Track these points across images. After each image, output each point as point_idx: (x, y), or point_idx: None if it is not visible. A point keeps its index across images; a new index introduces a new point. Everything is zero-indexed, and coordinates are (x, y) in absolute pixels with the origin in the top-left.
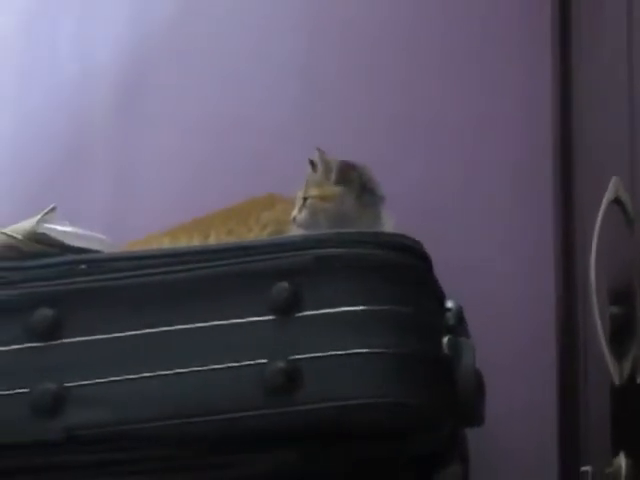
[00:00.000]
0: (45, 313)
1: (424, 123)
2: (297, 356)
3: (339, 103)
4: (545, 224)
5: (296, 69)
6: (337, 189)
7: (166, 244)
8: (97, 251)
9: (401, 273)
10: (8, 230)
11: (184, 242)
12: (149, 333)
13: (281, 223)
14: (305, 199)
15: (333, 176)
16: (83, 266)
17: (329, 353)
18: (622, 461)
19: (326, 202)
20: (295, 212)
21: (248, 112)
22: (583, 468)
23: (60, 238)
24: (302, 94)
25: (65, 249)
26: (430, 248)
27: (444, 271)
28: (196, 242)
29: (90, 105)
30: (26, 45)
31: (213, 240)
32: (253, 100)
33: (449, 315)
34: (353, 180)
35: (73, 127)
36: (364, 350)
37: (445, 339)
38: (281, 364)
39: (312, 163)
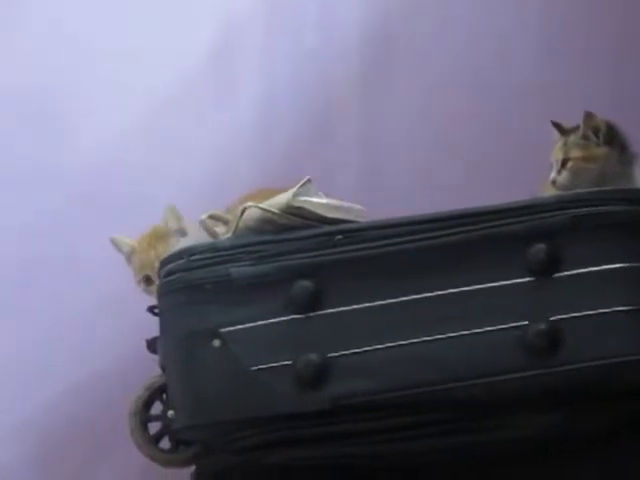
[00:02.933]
0: (304, 285)
1: None
2: (558, 316)
3: (576, 58)
4: None
5: (534, 26)
6: (603, 150)
7: None
8: (353, 221)
9: None
10: (264, 204)
11: None
12: (408, 300)
13: None
14: (565, 161)
15: (601, 137)
16: (339, 237)
17: (590, 312)
18: None
19: (590, 163)
20: (554, 174)
21: (488, 76)
22: None
23: (316, 210)
24: (541, 53)
25: (321, 221)
26: None
27: None
28: None
29: (334, 75)
30: (268, 20)
31: None
32: (493, 64)
33: None
34: (616, 140)
35: (318, 100)
36: (626, 308)
37: None
38: (542, 325)
39: (558, 126)
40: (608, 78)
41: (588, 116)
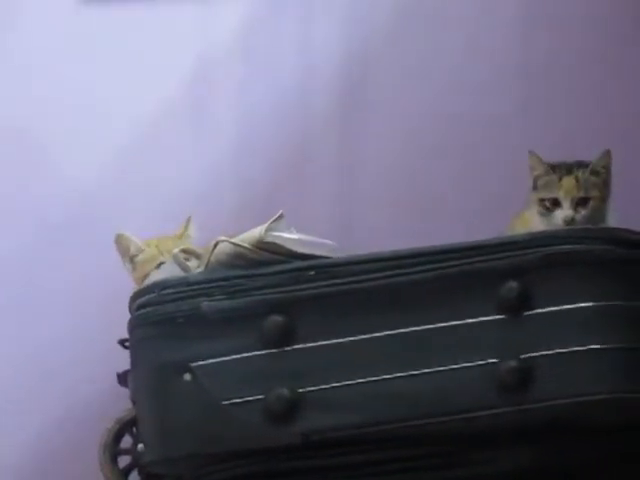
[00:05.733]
0: (276, 320)
1: None
2: (528, 354)
3: (552, 97)
4: None
5: (511, 62)
6: (607, 191)
7: None
8: (324, 257)
9: (629, 268)
10: (236, 239)
11: None
12: (379, 336)
13: None
14: (585, 199)
15: (607, 178)
16: (311, 272)
17: (560, 350)
18: None
19: (605, 202)
20: (570, 212)
21: (465, 108)
22: None
23: (288, 245)
24: (518, 89)
25: (293, 256)
26: None
27: None
28: None
29: (312, 109)
30: (246, 53)
31: None
32: (471, 96)
33: None
34: (610, 182)
35: (296, 133)
36: (596, 346)
37: None
38: (513, 363)
39: (541, 162)
40: (590, 112)
41: (608, 154)
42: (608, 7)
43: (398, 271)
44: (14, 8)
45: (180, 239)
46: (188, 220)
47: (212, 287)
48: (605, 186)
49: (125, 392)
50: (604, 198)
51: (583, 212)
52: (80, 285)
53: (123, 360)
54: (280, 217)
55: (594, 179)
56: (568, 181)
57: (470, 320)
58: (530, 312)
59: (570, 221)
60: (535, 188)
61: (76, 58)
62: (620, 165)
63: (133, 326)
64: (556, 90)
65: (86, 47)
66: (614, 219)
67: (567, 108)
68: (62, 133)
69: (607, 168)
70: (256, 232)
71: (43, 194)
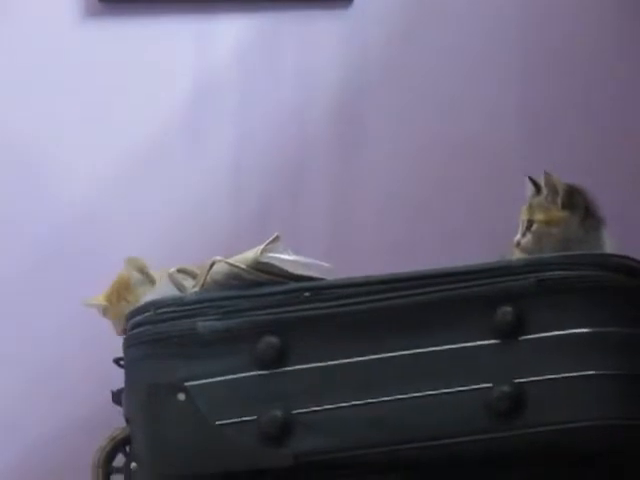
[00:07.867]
0: (270, 341)
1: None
2: (522, 379)
3: (556, 125)
4: None
5: (512, 93)
6: (563, 214)
7: None
8: (320, 279)
9: (625, 295)
10: (232, 260)
11: None
12: (373, 359)
13: None
14: (530, 223)
15: (559, 200)
16: (307, 294)
17: (554, 376)
18: None
19: (552, 227)
20: (519, 236)
21: (464, 139)
22: None
23: (284, 267)
24: (520, 117)
25: (288, 277)
26: None
27: None
28: None
29: (310, 134)
30: (244, 76)
31: None
32: (472, 127)
33: None
34: (578, 204)
35: (293, 157)
36: (590, 372)
37: None
38: (506, 388)
39: (534, 183)
40: (591, 138)
41: (546, 177)
42: (609, 49)
43: (393, 294)
44: (12, 23)
45: (129, 289)
46: (127, 264)
47: (207, 307)
48: (563, 208)
49: (119, 410)
50: (558, 221)
51: (528, 235)
52: (75, 307)
53: (118, 378)
54: (276, 239)
55: (544, 203)
56: (525, 207)
57: (464, 344)
58: (525, 337)
59: (517, 245)
60: None
61: (73, 76)
62: (623, 199)
63: (128, 345)
64: (558, 117)
65: (84, 65)
66: (611, 246)
67: (569, 139)
68: (59, 152)
69: (554, 189)
70: (252, 253)
71: (39, 215)
